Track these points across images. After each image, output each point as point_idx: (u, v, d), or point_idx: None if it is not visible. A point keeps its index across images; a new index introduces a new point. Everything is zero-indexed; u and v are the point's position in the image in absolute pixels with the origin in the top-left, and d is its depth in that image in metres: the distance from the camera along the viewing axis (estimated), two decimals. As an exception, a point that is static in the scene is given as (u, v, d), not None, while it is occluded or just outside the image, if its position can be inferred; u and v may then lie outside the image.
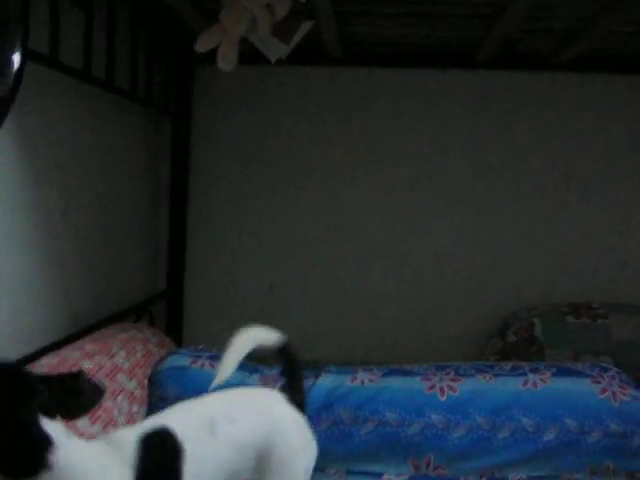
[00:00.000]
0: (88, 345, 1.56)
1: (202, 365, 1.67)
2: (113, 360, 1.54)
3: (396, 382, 1.66)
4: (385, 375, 1.68)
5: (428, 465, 1.58)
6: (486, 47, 2.20)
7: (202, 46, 1.68)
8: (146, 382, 1.63)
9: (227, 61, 1.68)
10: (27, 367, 1.16)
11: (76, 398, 0.96)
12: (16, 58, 1.34)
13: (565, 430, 1.59)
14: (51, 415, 0.94)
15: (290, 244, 2.50)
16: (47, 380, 0.96)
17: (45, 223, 1.65)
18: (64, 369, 1.38)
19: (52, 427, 0.93)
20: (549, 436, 1.59)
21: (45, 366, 1.38)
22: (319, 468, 1.59)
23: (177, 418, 1.13)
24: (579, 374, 1.68)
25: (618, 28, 1.98)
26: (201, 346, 1.76)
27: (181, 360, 1.68)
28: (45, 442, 0.92)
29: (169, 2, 1.81)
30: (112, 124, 2.04)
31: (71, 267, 1.80)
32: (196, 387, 1.60)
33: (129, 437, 1.05)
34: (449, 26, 2.06)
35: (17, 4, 1.33)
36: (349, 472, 1.60)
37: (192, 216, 2.50)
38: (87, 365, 1.44)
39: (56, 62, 1.54)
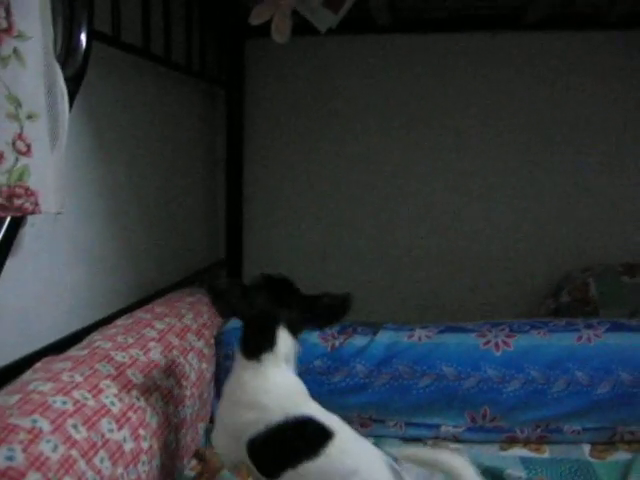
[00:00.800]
0: (158, 308, 1.65)
1: None
2: (182, 321, 1.63)
3: (452, 338, 1.71)
4: (441, 332, 1.73)
5: (485, 417, 1.64)
6: (535, 7, 2.19)
7: (256, 19, 1.74)
8: (212, 342, 1.71)
9: (281, 33, 1.73)
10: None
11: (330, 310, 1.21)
12: (83, 38, 1.42)
13: (619, 383, 1.62)
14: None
15: (343, 210, 2.56)
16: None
17: (112, 194, 1.74)
18: (139, 328, 1.48)
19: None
20: (603, 389, 1.62)
21: (121, 326, 1.48)
22: (379, 420, 1.68)
23: None
24: (632, 329, 1.71)
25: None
26: None
27: None
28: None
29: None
30: (170, 97, 2.12)
31: (137, 236, 1.89)
32: None
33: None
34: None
35: (83, -15, 1.40)
36: (408, 424, 1.67)
37: (248, 185, 2.58)
38: (159, 325, 1.53)
39: (119, 41, 1.62)
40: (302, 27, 1.86)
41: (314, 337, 1.73)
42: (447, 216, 2.54)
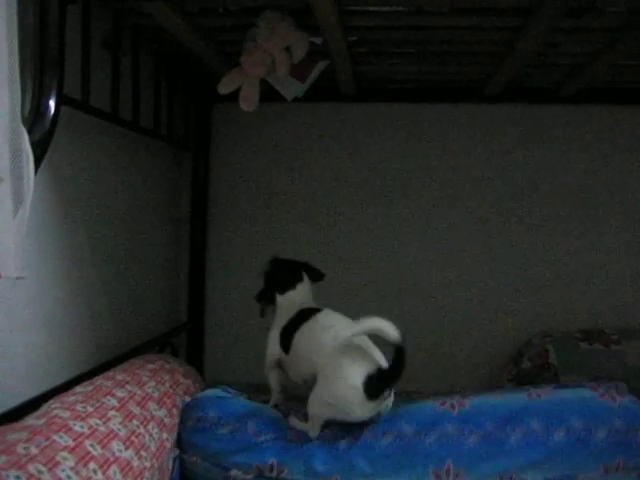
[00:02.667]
0: (119, 375, 1.61)
1: (238, 397, 1.79)
2: (143, 389, 1.59)
3: (410, 404, 1.74)
4: (398, 396, 1.75)
5: (448, 472, 1.63)
6: (495, 82, 2.28)
7: (225, 89, 1.77)
8: (175, 411, 1.68)
9: (249, 102, 1.76)
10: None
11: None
12: (52, 103, 1.43)
13: (573, 429, 1.65)
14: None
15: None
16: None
17: (74, 258, 1.72)
18: (99, 396, 1.44)
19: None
20: (559, 436, 1.65)
21: (81, 394, 1.44)
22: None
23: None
24: (576, 386, 1.80)
25: (621, 62, 2.05)
26: (228, 387, 1.86)
27: (221, 393, 1.80)
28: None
29: (191, 46, 1.90)
30: (137, 161, 2.13)
31: (98, 299, 1.86)
32: (237, 413, 1.71)
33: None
34: (458, 63, 2.14)
35: (54, 51, 1.42)
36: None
37: (212, 249, 2.58)
38: (120, 394, 1.50)
39: (88, 106, 1.63)
40: (269, 94, 1.90)
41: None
42: (407, 284, 2.57)
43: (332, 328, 1.68)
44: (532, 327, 2.52)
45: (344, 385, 1.57)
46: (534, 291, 2.55)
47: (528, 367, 2.39)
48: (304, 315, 1.79)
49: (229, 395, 1.80)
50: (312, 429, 1.65)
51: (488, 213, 2.55)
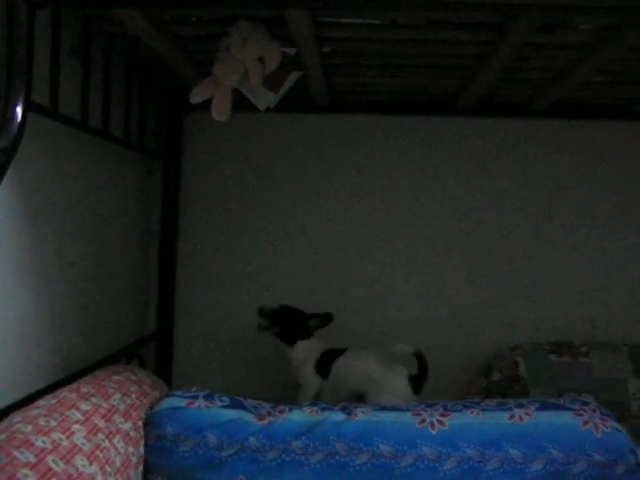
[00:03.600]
0: (84, 387, 1.58)
1: (199, 405, 1.70)
2: (109, 401, 1.56)
3: (388, 416, 1.70)
4: (376, 410, 1.72)
5: (423, 498, 1.62)
6: (467, 95, 2.29)
7: (196, 98, 1.75)
8: (140, 423, 1.65)
9: (221, 112, 1.75)
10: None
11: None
12: (19, 110, 1.40)
13: (552, 461, 1.63)
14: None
15: (279, 287, 2.54)
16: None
17: (40, 268, 1.69)
18: (63, 410, 1.40)
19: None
20: (537, 467, 1.63)
21: (43, 407, 1.40)
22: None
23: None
24: (562, 408, 1.74)
25: (593, 78, 2.08)
26: (194, 388, 1.79)
27: (177, 402, 1.70)
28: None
29: (163, 55, 1.88)
30: (106, 170, 2.10)
31: (64, 310, 1.83)
32: (195, 425, 1.65)
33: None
34: (431, 76, 2.15)
35: (22, 57, 1.39)
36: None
37: (182, 259, 2.55)
38: (84, 407, 1.47)
39: (56, 113, 1.60)
40: (242, 104, 1.89)
41: (248, 415, 1.69)
42: (375, 296, 2.57)
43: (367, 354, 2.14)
44: (503, 339, 2.53)
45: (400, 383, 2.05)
46: (505, 303, 2.56)
47: (498, 379, 2.40)
48: (332, 352, 2.16)
49: (186, 401, 1.71)
50: None
51: (458, 225, 2.57)
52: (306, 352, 2.17)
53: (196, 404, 1.70)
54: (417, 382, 2.05)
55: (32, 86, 1.43)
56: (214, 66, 1.73)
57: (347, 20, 1.68)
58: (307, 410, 1.72)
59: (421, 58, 1.95)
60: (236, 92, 1.83)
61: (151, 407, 1.71)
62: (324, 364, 2.14)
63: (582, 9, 1.44)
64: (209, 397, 1.73)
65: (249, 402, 1.76)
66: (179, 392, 1.77)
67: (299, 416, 1.70)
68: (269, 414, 1.70)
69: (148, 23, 1.63)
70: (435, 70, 2.08)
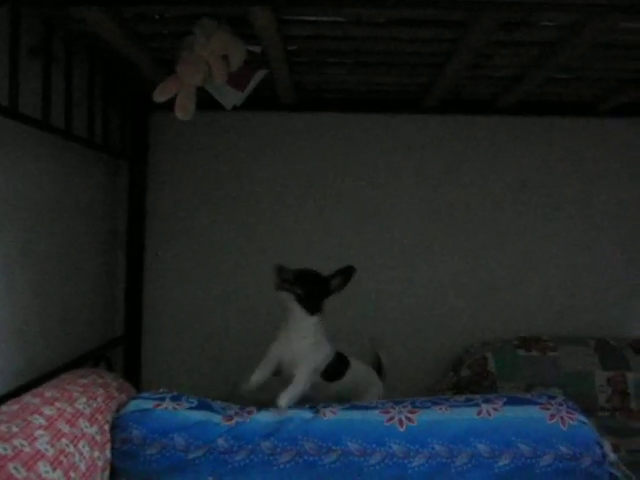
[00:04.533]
0: (48, 391, 1.55)
1: (166, 407, 1.68)
2: (74, 405, 1.53)
3: (357, 414, 1.69)
4: (345, 409, 1.72)
5: (392, 495, 1.62)
6: (433, 93, 2.30)
7: (160, 96, 1.73)
8: (107, 427, 1.62)
9: (184, 111, 1.73)
10: None
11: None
12: (-24, 110, 1.37)
13: (519, 455, 1.64)
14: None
15: (246, 289, 2.53)
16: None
17: (2, 270, 1.66)
18: (25, 415, 1.38)
19: None
20: (504, 461, 1.64)
21: (5, 413, 1.37)
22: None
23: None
24: (529, 402, 1.75)
25: (555, 75, 2.10)
26: (162, 389, 1.77)
27: (144, 404, 1.68)
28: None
29: (126, 53, 1.86)
30: (70, 170, 2.06)
31: (28, 312, 1.79)
32: (162, 428, 1.63)
33: None
34: (397, 74, 2.16)
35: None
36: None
37: (149, 260, 2.52)
38: (48, 412, 1.44)
39: (16, 113, 1.57)
40: (207, 102, 1.87)
41: (216, 417, 1.67)
42: (347, 291, 2.55)
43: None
44: (472, 335, 2.55)
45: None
46: (473, 299, 2.58)
47: (467, 375, 2.42)
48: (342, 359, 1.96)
49: (153, 403, 1.69)
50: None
51: (425, 222, 2.58)
52: (318, 332, 1.87)
53: (163, 406, 1.68)
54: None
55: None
56: (177, 64, 1.71)
57: (312, 18, 1.68)
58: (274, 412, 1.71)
59: (386, 56, 1.96)
60: (202, 90, 1.82)
61: (118, 410, 1.69)
62: (336, 369, 1.91)
63: (542, 6, 1.45)
64: (176, 398, 1.71)
65: (217, 404, 1.75)
66: (146, 394, 1.75)
67: (266, 416, 1.69)
68: (237, 415, 1.69)
69: (110, 21, 1.61)
70: (401, 68, 2.08)
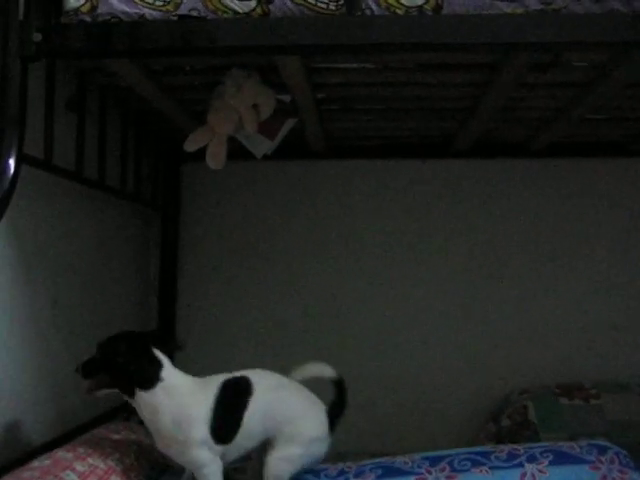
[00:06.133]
0: (80, 446, 1.53)
1: None
2: (106, 462, 1.50)
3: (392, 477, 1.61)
4: (379, 477, 1.63)
5: None
6: (463, 137, 2.29)
7: (191, 146, 1.75)
8: (139, 484, 1.58)
9: (216, 160, 1.74)
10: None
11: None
12: (12, 162, 1.39)
13: None
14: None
15: (277, 338, 2.50)
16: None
17: (34, 322, 1.66)
18: (57, 471, 1.35)
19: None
20: None
21: (37, 469, 1.35)
22: None
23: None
24: (577, 460, 1.64)
25: (589, 116, 2.08)
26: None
27: None
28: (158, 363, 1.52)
29: (158, 105, 1.88)
30: (103, 220, 2.08)
31: (60, 365, 1.78)
32: None
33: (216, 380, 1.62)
34: (426, 119, 2.15)
35: (15, 109, 1.39)
36: None
37: (181, 311, 2.51)
38: (80, 467, 1.41)
39: (50, 165, 1.59)
40: (238, 152, 1.89)
41: None
42: (384, 342, 2.52)
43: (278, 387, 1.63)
44: (510, 383, 2.47)
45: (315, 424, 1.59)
46: (511, 346, 2.51)
47: (508, 425, 2.34)
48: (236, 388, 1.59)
49: None
50: None
51: (462, 269, 2.53)
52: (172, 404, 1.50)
53: None
54: (334, 415, 1.63)
55: (27, 139, 1.42)
56: (208, 114, 1.73)
57: (340, 65, 1.69)
58: None
59: (416, 101, 1.96)
60: (234, 140, 1.83)
61: (151, 468, 1.65)
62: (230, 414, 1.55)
63: (571, 45, 1.43)
64: None
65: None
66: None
67: None
68: None
69: (142, 74, 1.64)
70: (429, 112, 2.08)
